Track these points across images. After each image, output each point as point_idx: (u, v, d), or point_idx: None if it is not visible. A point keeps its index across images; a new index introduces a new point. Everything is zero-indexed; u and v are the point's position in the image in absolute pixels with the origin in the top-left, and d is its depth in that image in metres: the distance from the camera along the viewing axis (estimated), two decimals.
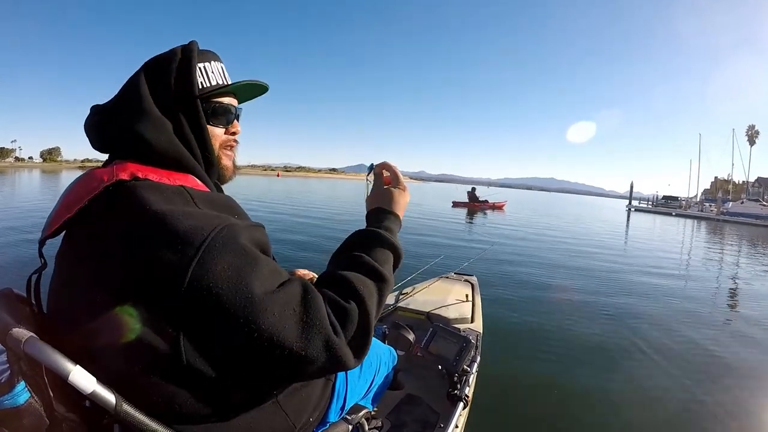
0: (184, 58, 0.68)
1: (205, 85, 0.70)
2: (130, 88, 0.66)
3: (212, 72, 0.72)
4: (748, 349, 3.46)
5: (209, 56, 0.72)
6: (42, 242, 0.62)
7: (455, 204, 21.81)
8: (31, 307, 0.62)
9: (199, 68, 0.69)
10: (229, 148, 0.77)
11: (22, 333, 0.48)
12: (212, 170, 0.73)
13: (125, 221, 0.54)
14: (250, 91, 0.80)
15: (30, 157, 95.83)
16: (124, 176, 0.58)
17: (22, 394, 0.48)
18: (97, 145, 0.68)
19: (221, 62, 0.75)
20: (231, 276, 0.51)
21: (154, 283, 0.50)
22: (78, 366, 0.49)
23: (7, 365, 0.49)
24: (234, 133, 0.77)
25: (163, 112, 0.65)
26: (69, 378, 0.47)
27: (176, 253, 0.50)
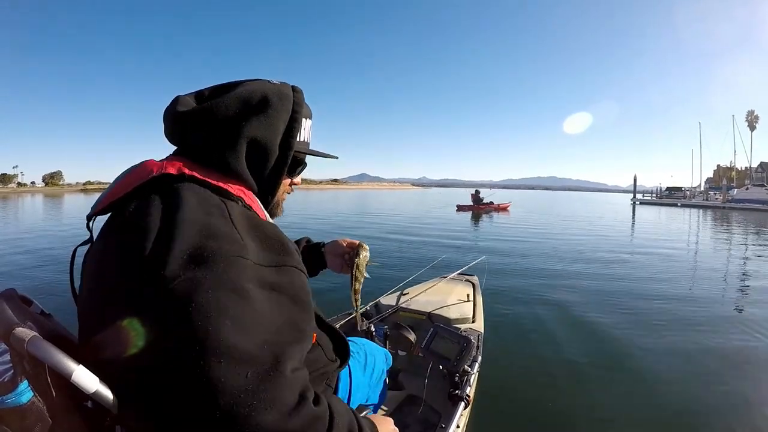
0: (294, 111, 0.71)
1: (298, 139, 0.72)
2: (233, 120, 0.65)
3: (304, 128, 0.75)
4: None
5: (309, 112, 0.77)
6: (89, 218, 0.64)
7: (460, 208, 21.68)
8: (32, 306, 0.64)
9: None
10: (286, 194, 0.82)
11: (25, 332, 0.49)
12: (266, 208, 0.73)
13: (151, 220, 0.54)
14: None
15: (32, 182, 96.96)
16: (172, 170, 0.61)
17: (25, 393, 0.49)
18: (172, 141, 0.69)
19: (311, 119, 0.79)
20: (212, 305, 0.46)
21: (143, 281, 0.49)
22: (81, 366, 0.49)
23: (11, 364, 0.49)
24: (295, 183, 0.83)
25: (250, 145, 0.66)
26: (72, 378, 0.48)
27: (174, 263, 0.48)
